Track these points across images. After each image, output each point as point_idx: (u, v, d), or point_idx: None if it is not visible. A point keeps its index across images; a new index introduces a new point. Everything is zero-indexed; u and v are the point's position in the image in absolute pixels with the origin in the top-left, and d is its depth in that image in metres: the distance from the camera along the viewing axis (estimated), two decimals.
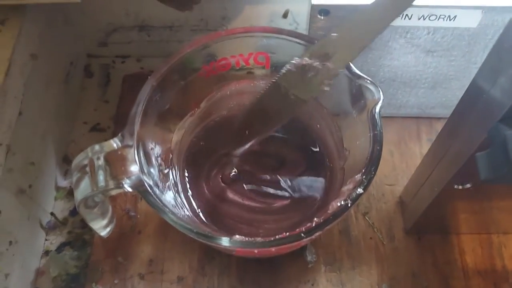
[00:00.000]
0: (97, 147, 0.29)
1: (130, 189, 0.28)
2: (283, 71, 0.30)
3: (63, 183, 0.45)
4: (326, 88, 0.30)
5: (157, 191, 0.29)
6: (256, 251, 0.27)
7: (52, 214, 0.43)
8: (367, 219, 0.40)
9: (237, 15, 0.47)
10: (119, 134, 0.30)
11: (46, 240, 0.42)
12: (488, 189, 0.31)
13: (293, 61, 0.30)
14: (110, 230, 0.34)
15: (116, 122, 0.48)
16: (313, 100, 0.37)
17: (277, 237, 0.26)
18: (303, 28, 0.47)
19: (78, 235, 0.43)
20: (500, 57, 0.22)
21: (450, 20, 0.33)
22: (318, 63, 0.30)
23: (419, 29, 0.34)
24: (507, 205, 0.36)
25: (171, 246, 0.39)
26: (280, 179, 0.36)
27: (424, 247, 0.39)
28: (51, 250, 0.42)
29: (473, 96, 0.25)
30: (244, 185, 0.36)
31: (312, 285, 0.37)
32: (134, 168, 0.29)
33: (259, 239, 0.26)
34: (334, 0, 0.32)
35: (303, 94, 0.31)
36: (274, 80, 0.31)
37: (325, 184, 0.35)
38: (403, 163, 0.43)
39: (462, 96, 0.27)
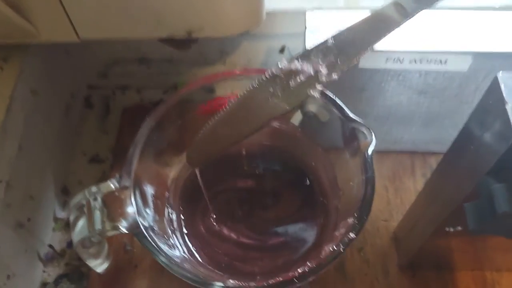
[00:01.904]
0: (94, 188, 0.30)
1: (126, 231, 0.29)
2: (266, 75, 0.29)
3: (61, 214, 0.46)
4: (315, 95, 0.29)
5: (152, 233, 0.29)
6: None
7: (50, 246, 0.43)
8: (362, 254, 0.40)
9: (235, 50, 0.48)
10: (117, 175, 0.31)
11: (43, 272, 0.43)
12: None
13: (280, 65, 0.29)
14: (106, 266, 0.34)
15: (115, 153, 0.48)
16: (307, 139, 0.37)
17: (270, 282, 0.26)
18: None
19: (76, 267, 0.43)
20: (486, 113, 0.23)
21: (441, 64, 0.34)
22: (310, 69, 0.29)
23: (411, 72, 0.35)
24: (500, 243, 0.36)
25: (168, 281, 0.40)
26: (276, 216, 0.37)
27: (418, 283, 0.39)
28: (48, 282, 0.42)
29: (462, 146, 0.26)
30: (239, 223, 0.36)
31: None
32: (131, 210, 0.29)
33: (252, 284, 0.26)
34: None
35: (286, 101, 0.29)
36: (254, 84, 0.29)
37: (320, 222, 0.36)
38: (398, 199, 0.43)
39: (451, 145, 0.27)
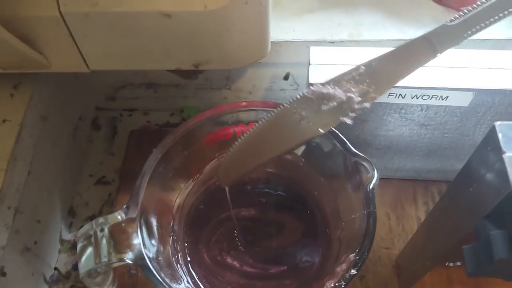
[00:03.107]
0: (102, 219, 0.30)
1: (131, 262, 0.29)
2: (298, 96, 0.29)
3: (68, 236, 0.46)
4: (348, 121, 0.29)
5: (157, 265, 0.30)
6: None
7: (55, 269, 0.44)
8: (364, 283, 0.41)
9: (240, 76, 0.49)
10: (124, 206, 0.31)
11: None
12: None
13: (312, 88, 0.28)
14: None
15: (121, 175, 0.49)
16: (310, 168, 0.38)
17: None
18: (303, 89, 0.49)
19: None
20: (483, 159, 0.23)
21: (442, 99, 0.34)
22: (342, 94, 0.29)
23: (412, 106, 0.35)
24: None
25: None
26: (278, 245, 0.37)
27: None
28: None
29: (462, 186, 0.26)
30: (243, 251, 0.37)
31: None
32: (137, 241, 0.30)
33: None
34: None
35: (319, 124, 0.29)
36: (286, 104, 0.29)
37: (322, 251, 0.36)
38: (399, 226, 0.44)
39: (451, 184, 0.28)
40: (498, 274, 0.24)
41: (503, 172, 0.21)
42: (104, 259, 0.29)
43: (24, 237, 0.39)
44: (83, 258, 0.30)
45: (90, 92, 0.51)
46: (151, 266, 0.29)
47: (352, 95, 0.28)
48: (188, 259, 0.36)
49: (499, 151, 0.22)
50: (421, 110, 0.36)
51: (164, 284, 0.28)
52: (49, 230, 0.43)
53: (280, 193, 0.39)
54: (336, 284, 0.28)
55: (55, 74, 0.43)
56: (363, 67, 0.28)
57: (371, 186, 0.31)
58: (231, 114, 0.35)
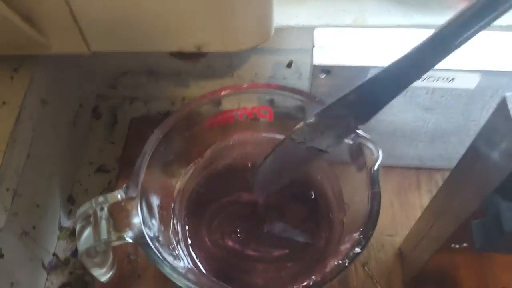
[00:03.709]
0: (101, 198, 0.30)
1: (131, 241, 0.29)
2: (299, 127, 0.30)
3: (67, 223, 0.46)
4: (349, 141, 0.31)
5: (157, 244, 0.29)
6: None
7: (54, 254, 0.43)
8: (366, 270, 0.40)
9: (242, 64, 0.48)
10: (124, 186, 0.31)
11: (47, 280, 0.43)
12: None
13: (312, 119, 0.30)
14: (110, 276, 0.34)
15: (121, 163, 0.49)
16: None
17: None
18: (306, 77, 0.48)
19: (79, 276, 0.43)
20: (493, 132, 0.23)
21: (448, 81, 0.34)
22: (339, 119, 0.30)
23: (418, 89, 0.35)
24: (507, 261, 0.36)
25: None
26: (281, 228, 0.37)
27: None
28: None
29: (469, 164, 0.26)
30: (244, 235, 0.36)
31: None
32: (137, 220, 0.29)
33: None
34: (334, 61, 0.34)
35: (322, 146, 0.30)
36: (290, 136, 0.31)
37: (325, 235, 0.36)
38: (403, 214, 0.43)
39: (458, 163, 0.28)
40: (508, 248, 0.23)
41: None
42: (104, 237, 0.29)
43: (22, 221, 0.38)
44: (82, 236, 0.29)
45: (90, 80, 0.51)
46: (151, 243, 0.28)
47: (350, 120, 0.30)
48: (189, 241, 0.35)
49: (509, 121, 0.21)
50: (427, 93, 0.35)
51: (165, 261, 0.28)
52: (48, 215, 0.43)
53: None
54: (340, 262, 0.27)
55: (56, 59, 0.42)
56: (356, 92, 0.29)
57: (375, 167, 0.30)
58: (233, 96, 0.35)
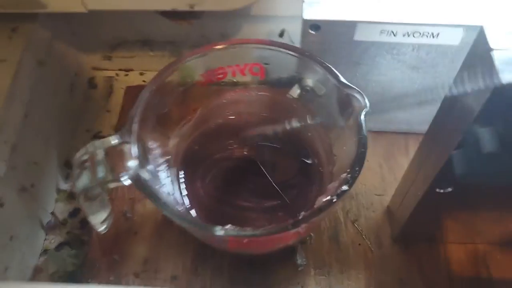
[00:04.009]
0: (97, 142, 0.31)
1: (128, 182, 0.30)
2: None
3: (64, 186, 0.47)
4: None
5: (153, 186, 0.30)
6: (245, 240, 0.28)
7: (52, 213, 0.44)
8: (356, 226, 0.41)
9: (235, 33, 0.50)
10: (118, 132, 0.32)
11: (45, 239, 0.44)
12: (472, 199, 0.33)
13: None
14: (107, 226, 0.35)
15: (118, 130, 0.49)
16: (304, 109, 0.39)
17: (266, 227, 0.27)
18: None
19: (77, 236, 0.44)
20: (472, 64, 0.24)
21: (433, 37, 0.35)
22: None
23: (404, 46, 0.36)
24: (491, 216, 0.38)
25: (166, 247, 0.41)
26: (272, 181, 0.38)
27: (411, 255, 0.40)
28: (49, 249, 0.43)
29: (450, 103, 0.27)
30: (236, 187, 0.37)
31: (302, 287, 0.38)
32: (132, 164, 0.30)
33: (249, 229, 0.27)
34: (324, 16, 0.35)
35: None
36: None
37: (315, 187, 0.37)
38: (392, 175, 0.44)
39: (441, 104, 0.29)
40: (486, 173, 0.24)
41: (490, 68, 0.22)
42: (100, 176, 0.29)
43: (21, 176, 0.39)
44: (80, 178, 0.30)
45: (86, 50, 0.52)
46: (148, 183, 0.29)
47: None
48: (184, 192, 0.36)
49: (487, 50, 0.23)
50: (413, 49, 0.37)
51: (162, 199, 0.29)
52: (46, 176, 0.44)
53: (274, 135, 0.40)
54: (328, 198, 0.28)
55: (52, 22, 0.44)
56: None
57: (362, 116, 0.32)
58: (226, 51, 0.36)
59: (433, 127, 0.31)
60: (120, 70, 0.54)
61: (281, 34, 0.49)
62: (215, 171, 0.38)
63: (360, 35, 0.36)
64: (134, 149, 0.31)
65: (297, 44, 0.50)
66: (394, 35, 0.35)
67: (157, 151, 0.35)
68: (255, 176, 0.38)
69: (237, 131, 0.40)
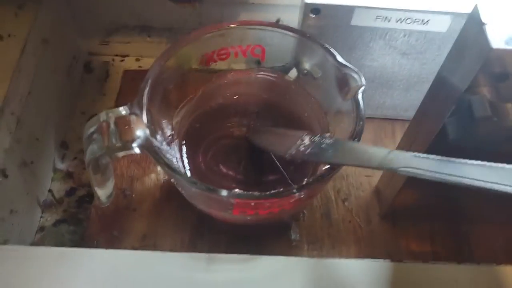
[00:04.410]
0: (108, 112, 0.32)
1: (138, 150, 0.31)
2: None
3: (61, 166, 0.47)
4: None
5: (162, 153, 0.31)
6: (252, 203, 0.30)
7: (50, 191, 0.45)
8: (346, 205, 0.44)
9: (232, 21, 0.51)
10: (128, 104, 0.33)
11: (41, 217, 0.44)
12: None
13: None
14: (110, 198, 0.36)
15: None
16: (301, 90, 0.41)
17: (272, 191, 0.29)
18: None
19: (73, 214, 0.45)
20: (465, 39, 0.27)
21: (423, 24, 0.38)
22: None
23: (396, 31, 0.39)
24: (473, 196, 0.40)
25: (164, 223, 0.42)
26: (271, 161, 0.39)
27: (398, 231, 0.42)
28: (46, 226, 0.44)
29: (439, 84, 0.30)
30: (236, 163, 0.39)
31: None
32: (140, 133, 0.31)
33: (256, 192, 0.29)
34: (324, 0, 0.37)
35: None
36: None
37: (312, 165, 0.39)
38: None
39: (429, 88, 0.31)
40: (478, 138, 0.27)
41: (484, 39, 0.24)
42: (111, 143, 0.30)
43: (23, 151, 0.40)
44: (90, 145, 0.31)
45: (85, 34, 0.53)
46: (158, 150, 0.30)
47: None
48: (186, 166, 0.37)
49: (480, 24, 0.25)
50: (404, 35, 0.39)
51: (171, 164, 0.30)
52: (44, 154, 0.45)
53: (272, 116, 0.42)
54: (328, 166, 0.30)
55: (55, 3, 0.45)
56: None
57: (359, 93, 0.34)
58: (229, 31, 0.37)
59: (419, 112, 0.34)
60: (116, 55, 0.55)
61: (276, 23, 0.51)
62: (216, 148, 0.40)
63: (356, 20, 0.38)
64: (144, 118, 0.32)
65: None
66: (388, 21, 0.38)
67: (163, 126, 0.36)
68: (254, 153, 0.40)
69: (237, 111, 0.41)
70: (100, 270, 0.32)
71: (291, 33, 0.37)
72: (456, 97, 0.27)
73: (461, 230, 0.43)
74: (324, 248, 0.41)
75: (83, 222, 0.44)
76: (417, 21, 0.38)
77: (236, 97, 0.42)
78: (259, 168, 0.39)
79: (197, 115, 0.40)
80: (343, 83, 0.35)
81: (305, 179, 0.37)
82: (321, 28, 0.39)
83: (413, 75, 0.43)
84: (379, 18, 0.38)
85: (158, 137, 0.34)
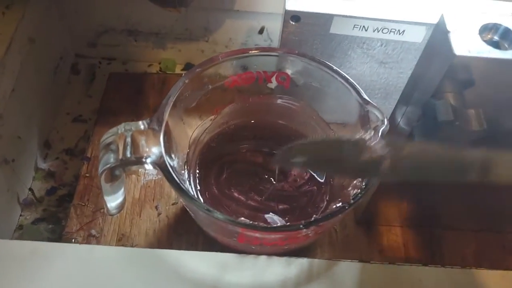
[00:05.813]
0: (126, 125, 0.31)
1: (150, 167, 0.30)
2: None
3: (43, 165, 0.48)
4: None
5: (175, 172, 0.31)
6: (257, 234, 0.30)
7: (30, 189, 0.45)
8: None
9: (218, 28, 0.53)
10: (148, 119, 0.32)
11: (21, 215, 0.44)
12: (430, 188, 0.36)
13: None
14: (118, 210, 0.35)
15: (99, 114, 0.51)
16: (322, 120, 0.41)
17: (279, 224, 0.30)
18: (275, 45, 0.53)
19: (53, 213, 0.45)
20: (432, 47, 0.28)
21: (399, 34, 0.39)
22: None
23: (373, 41, 0.40)
24: (445, 205, 0.42)
25: (142, 223, 0.42)
26: (283, 189, 0.39)
27: (372, 236, 0.43)
28: (24, 224, 0.44)
29: (414, 83, 0.31)
30: (249, 189, 0.39)
31: None
32: (156, 150, 0.31)
33: (262, 223, 0.29)
34: (304, 8, 0.38)
35: None
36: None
37: (325, 198, 0.39)
38: None
39: (405, 86, 0.32)
40: (440, 137, 0.28)
41: (448, 47, 0.26)
42: (126, 157, 0.30)
43: (5, 148, 0.40)
44: (104, 157, 0.30)
45: (72, 35, 0.53)
46: (170, 169, 0.30)
47: None
48: (198, 187, 0.38)
49: (445, 32, 0.26)
50: (381, 45, 0.40)
51: (182, 186, 0.30)
52: (26, 153, 0.45)
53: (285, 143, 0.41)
54: (340, 204, 0.30)
55: (43, 3, 0.45)
56: None
57: (380, 132, 0.31)
58: (257, 57, 0.37)
59: (391, 118, 0.35)
60: (103, 58, 0.56)
61: (260, 31, 0.52)
62: (229, 171, 0.40)
63: (335, 28, 0.39)
64: (161, 134, 0.31)
65: (275, 42, 0.53)
66: (366, 30, 0.39)
67: (179, 144, 0.36)
68: (267, 179, 0.40)
69: (253, 135, 0.42)
70: (74, 265, 0.33)
71: (318, 65, 0.37)
72: (424, 102, 0.28)
73: (434, 236, 0.44)
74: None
75: (62, 221, 0.44)
76: (393, 31, 0.39)
77: (255, 121, 0.42)
78: (271, 197, 0.39)
79: (214, 136, 0.41)
80: (365, 119, 0.33)
81: (315, 213, 0.38)
82: (301, 35, 0.40)
83: (390, 84, 0.44)
84: (356, 27, 0.39)
85: (173, 154, 0.33)
